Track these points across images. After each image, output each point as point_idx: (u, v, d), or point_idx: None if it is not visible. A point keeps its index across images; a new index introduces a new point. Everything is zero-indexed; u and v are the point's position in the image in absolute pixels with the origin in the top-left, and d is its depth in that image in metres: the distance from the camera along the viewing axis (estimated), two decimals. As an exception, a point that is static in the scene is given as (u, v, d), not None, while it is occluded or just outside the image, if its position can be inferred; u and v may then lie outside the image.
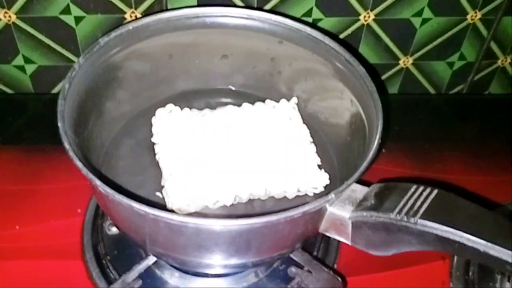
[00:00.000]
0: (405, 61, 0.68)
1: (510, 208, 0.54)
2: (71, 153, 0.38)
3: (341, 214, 0.38)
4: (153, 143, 0.50)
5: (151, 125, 0.51)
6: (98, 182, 0.36)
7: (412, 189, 0.37)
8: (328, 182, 0.47)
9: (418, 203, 0.36)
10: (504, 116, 0.69)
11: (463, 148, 0.64)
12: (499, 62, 0.70)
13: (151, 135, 0.51)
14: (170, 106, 0.52)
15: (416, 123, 0.67)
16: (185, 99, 0.54)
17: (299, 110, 0.53)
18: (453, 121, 0.69)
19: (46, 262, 0.50)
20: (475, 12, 0.63)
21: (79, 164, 0.37)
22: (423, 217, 0.35)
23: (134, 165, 0.50)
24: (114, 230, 0.51)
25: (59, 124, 0.40)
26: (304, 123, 0.52)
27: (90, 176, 0.37)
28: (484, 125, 0.68)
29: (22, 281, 0.49)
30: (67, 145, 0.38)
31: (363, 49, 0.66)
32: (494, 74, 0.71)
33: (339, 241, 0.42)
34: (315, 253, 0.49)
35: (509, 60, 0.70)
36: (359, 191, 0.40)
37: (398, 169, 0.59)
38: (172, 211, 0.45)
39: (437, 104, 0.72)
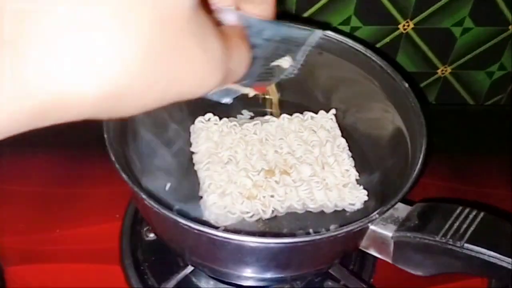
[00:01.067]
0: (443, 70, 0.67)
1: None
2: (117, 166, 0.38)
3: (383, 232, 0.38)
4: (192, 152, 0.51)
5: (189, 133, 0.52)
6: (144, 196, 0.37)
7: (458, 211, 0.37)
8: (366, 198, 0.47)
9: (464, 226, 0.36)
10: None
11: (500, 160, 0.63)
12: (540, 73, 0.68)
13: (190, 144, 0.51)
14: (209, 115, 0.52)
15: (454, 134, 0.66)
16: (224, 108, 0.54)
17: (337, 121, 0.53)
18: (490, 132, 0.68)
19: (85, 266, 0.51)
20: (518, 23, 0.62)
21: (125, 177, 0.38)
22: (469, 241, 0.34)
23: (172, 173, 0.50)
24: (151, 236, 0.52)
25: (105, 136, 0.40)
26: (342, 135, 0.52)
27: (136, 189, 0.37)
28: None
29: (62, 284, 0.50)
30: (113, 158, 0.39)
31: (400, 58, 0.65)
32: (534, 85, 0.70)
33: (375, 256, 0.42)
34: (351, 267, 0.49)
35: (550, 71, 0.68)
36: (402, 209, 0.39)
37: (435, 181, 0.59)
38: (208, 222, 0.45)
39: (475, 114, 0.71)
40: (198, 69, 0.21)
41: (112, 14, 0.17)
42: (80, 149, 0.60)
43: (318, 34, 0.36)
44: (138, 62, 0.18)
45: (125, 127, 0.45)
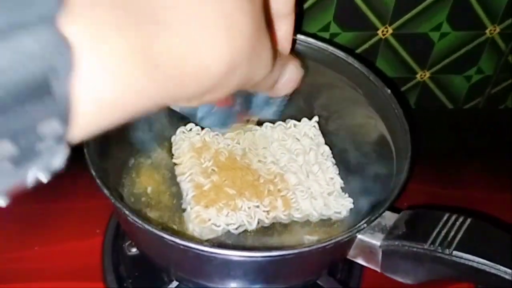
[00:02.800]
0: (422, 75, 0.68)
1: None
2: (98, 181, 0.37)
3: (371, 241, 0.38)
4: (174, 164, 0.50)
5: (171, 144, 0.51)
6: (127, 211, 0.36)
7: (445, 218, 0.37)
8: (352, 206, 0.47)
9: (452, 233, 0.35)
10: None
11: (482, 163, 0.64)
12: (517, 75, 0.69)
13: (172, 155, 0.50)
14: (190, 125, 0.51)
15: (434, 138, 0.67)
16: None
17: (320, 128, 0.53)
18: (471, 136, 0.68)
19: (66, 284, 0.49)
20: (494, 27, 0.63)
21: (106, 192, 0.37)
22: (458, 248, 0.34)
23: (154, 185, 0.49)
24: (134, 250, 0.50)
25: (85, 150, 0.39)
26: (326, 142, 0.51)
27: (118, 205, 0.36)
28: (501, 139, 0.68)
29: (42, 303, 0.48)
30: (93, 172, 0.38)
31: (379, 63, 0.66)
32: (511, 88, 0.71)
33: (363, 265, 0.41)
34: (338, 276, 0.49)
35: (527, 74, 0.69)
36: (389, 217, 0.39)
37: (420, 186, 0.59)
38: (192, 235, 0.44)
39: (454, 118, 0.71)
40: (266, 58, 0.26)
41: (234, 7, 0.22)
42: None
43: None
44: (249, 43, 0.23)
45: (105, 139, 0.43)
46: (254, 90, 0.32)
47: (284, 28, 0.32)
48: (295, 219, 0.46)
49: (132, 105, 0.20)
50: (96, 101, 0.18)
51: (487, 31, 0.63)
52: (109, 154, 0.46)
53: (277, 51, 0.27)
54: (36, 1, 0.16)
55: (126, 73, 0.19)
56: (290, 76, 0.31)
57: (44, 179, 0.18)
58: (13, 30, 0.15)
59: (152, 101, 0.20)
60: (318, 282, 0.46)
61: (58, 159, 0.18)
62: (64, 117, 0.17)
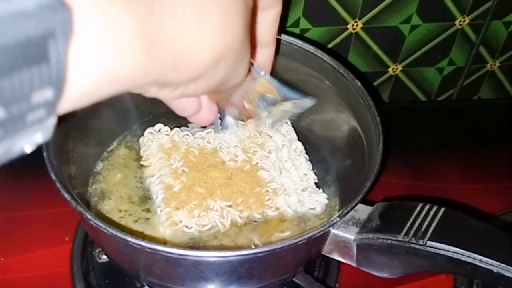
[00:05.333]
0: (394, 69, 0.67)
1: (508, 218, 0.54)
2: (58, 185, 0.36)
3: (345, 236, 0.37)
4: (142, 166, 0.48)
5: (139, 146, 0.49)
6: (89, 216, 0.34)
7: (418, 208, 0.36)
8: (326, 202, 0.46)
9: (426, 223, 0.35)
10: (494, 120, 0.69)
11: (456, 155, 0.64)
12: (488, 66, 0.69)
13: (140, 157, 0.49)
14: (159, 125, 0.50)
15: (408, 131, 0.66)
16: (175, 118, 0.52)
17: (292, 124, 0.52)
18: (444, 128, 0.68)
19: (34, 295, 0.47)
20: (463, 17, 0.63)
21: (67, 196, 0.35)
22: (432, 238, 0.34)
23: (123, 190, 0.48)
24: (104, 257, 0.49)
25: (44, 154, 0.37)
26: (299, 138, 0.50)
27: (80, 209, 0.35)
28: (475, 130, 0.68)
29: (9, 316, 0.46)
30: (53, 176, 0.36)
31: (352, 58, 0.65)
32: (483, 79, 0.71)
33: (340, 261, 0.40)
34: (316, 274, 0.48)
35: (498, 64, 0.69)
36: (362, 211, 0.38)
37: (394, 179, 0.58)
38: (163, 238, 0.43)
39: (427, 111, 0.71)
40: (245, 64, 0.28)
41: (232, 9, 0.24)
42: (20, 169, 0.56)
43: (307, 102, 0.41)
44: (237, 42, 0.25)
45: (65, 143, 0.42)
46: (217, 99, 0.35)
47: (265, 54, 0.35)
48: (269, 217, 0.45)
49: (126, 80, 0.20)
50: (93, 72, 0.18)
51: (456, 22, 0.63)
52: (74, 159, 0.45)
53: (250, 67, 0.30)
54: None
55: (127, 45, 0.19)
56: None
57: (28, 150, 0.17)
58: None
59: (144, 80, 0.21)
60: (295, 280, 0.45)
61: (46, 131, 0.18)
62: (59, 85, 0.17)
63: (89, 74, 0.18)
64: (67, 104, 0.18)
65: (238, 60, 0.26)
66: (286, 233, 0.44)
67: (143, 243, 0.32)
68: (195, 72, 0.23)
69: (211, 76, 0.25)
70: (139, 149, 0.49)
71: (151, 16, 0.20)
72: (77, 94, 0.18)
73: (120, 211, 0.46)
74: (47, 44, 0.16)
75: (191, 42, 0.22)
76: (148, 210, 0.45)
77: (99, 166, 0.49)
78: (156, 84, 0.23)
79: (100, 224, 0.33)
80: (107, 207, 0.46)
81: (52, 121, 0.17)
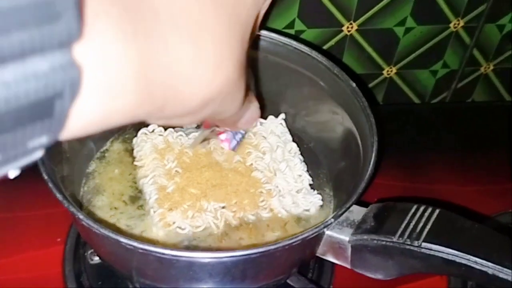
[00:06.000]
0: (389, 71, 0.67)
1: (502, 220, 0.54)
2: (50, 185, 0.35)
3: (340, 237, 0.37)
4: (136, 166, 0.48)
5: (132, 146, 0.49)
6: (81, 216, 0.34)
7: (413, 210, 0.36)
8: (321, 203, 0.46)
9: (420, 224, 0.35)
10: (488, 123, 0.69)
11: (450, 156, 0.64)
12: (482, 69, 0.70)
13: (134, 158, 0.48)
14: (153, 126, 0.50)
15: (402, 133, 0.67)
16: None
17: (287, 125, 0.52)
18: (438, 130, 0.68)
19: (25, 296, 0.47)
20: (458, 20, 0.63)
21: (59, 196, 0.35)
22: (427, 239, 0.34)
23: (115, 190, 0.47)
24: (96, 259, 0.48)
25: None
26: (293, 139, 0.50)
27: (72, 209, 0.34)
28: (469, 132, 0.68)
29: (0, 317, 0.46)
30: (45, 176, 0.36)
31: (346, 60, 0.65)
32: (477, 81, 0.71)
33: (334, 262, 0.40)
34: (310, 275, 0.48)
35: (491, 67, 0.69)
36: (357, 212, 0.38)
37: (388, 181, 0.58)
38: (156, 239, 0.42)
39: (421, 113, 0.71)
40: (240, 98, 0.29)
41: (218, 45, 0.24)
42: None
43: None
44: (231, 83, 0.26)
45: (57, 143, 0.41)
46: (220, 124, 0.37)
47: None
48: (263, 219, 0.45)
49: (117, 121, 0.21)
50: (86, 119, 0.19)
51: (451, 25, 0.63)
52: (67, 159, 0.44)
53: (247, 95, 0.31)
54: (60, 27, 0.16)
55: (122, 95, 0.20)
56: (252, 115, 0.36)
57: (14, 175, 0.19)
58: (31, 54, 0.15)
59: (137, 118, 0.22)
60: (289, 281, 0.44)
61: (35, 159, 0.18)
62: (56, 133, 0.18)
63: (84, 116, 0.19)
64: (60, 138, 0.19)
65: (228, 100, 0.27)
66: (280, 235, 0.44)
67: (135, 244, 0.32)
68: (188, 110, 0.24)
69: (204, 111, 0.26)
70: (133, 149, 0.49)
71: (151, 62, 0.21)
72: (71, 133, 0.19)
73: (111, 208, 0.45)
74: (54, 103, 0.17)
75: (186, 86, 0.23)
76: (140, 207, 0.45)
77: (92, 166, 0.48)
78: (151, 119, 0.24)
79: (92, 224, 0.33)
80: (100, 203, 0.46)
81: (41, 153, 0.18)
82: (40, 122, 0.17)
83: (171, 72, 0.22)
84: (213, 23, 0.24)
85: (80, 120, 0.18)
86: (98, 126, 0.20)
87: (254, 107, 0.36)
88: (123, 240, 0.32)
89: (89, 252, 0.49)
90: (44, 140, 0.17)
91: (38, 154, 0.18)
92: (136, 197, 0.46)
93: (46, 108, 0.16)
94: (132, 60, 0.19)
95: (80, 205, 0.45)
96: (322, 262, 0.49)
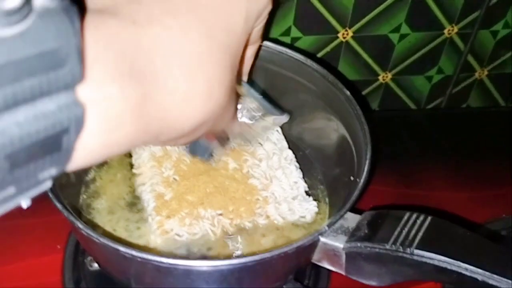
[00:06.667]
0: (384, 77, 0.68)
1: (493, 227, 0.54)
2: (50, 194, 0.36)
3: (334, 244, 0.37)
4: (134, 174, 0.48)
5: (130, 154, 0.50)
6: (80, 225, 0.34)
7: (406, 217, 0.37)
8: (316, 210, 0.46)
9: (413, 232, 0.35)
10: (483, 128, 0.70)
11: (444, 163, 0.64)
12: (477, 74, 0.70)
13: (132, 166, 0.49)
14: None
15: (397, 139, 0.67)
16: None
17: (283, 132, 0.52)
18: (433, 136, 0.69)
19: (25, 304, 0.47)
20: (452, 27, 0.64)
21: (59, 206, 0.35)
22: (419, 247, 0.34)
23: (114, 197, 0.48)
24: (95, 265, 0.49)
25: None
26: (289, 146, 0.51)
27: (71, 218, 0.35)
28: (464, 138, 0.68)
29: (0, 325, 0.46)
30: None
31: (342, 66, 0.66)
32: (472, 87, 0.72)
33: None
34: (306, 282, 0.48)
35: (486, 73, 0.70)
36: (351, 219, 0.39)
37: (383, 188, 0.59)
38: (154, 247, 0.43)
39: (417, 118, 0.72)
40: (233, 110, 0.32)
41: (217, 80, 0.27)
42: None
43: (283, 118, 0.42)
44: (220, 108, 0.28)
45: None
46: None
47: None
48: (259, 226, 0.46)
49: (116, 151, 0.23)
50: (89, 150, 0.21)
51: (445, 31, 0.64)
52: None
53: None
54: (65, 72, 0.17)
55: (120, 128, 0.22)
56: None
57: (26, 205, 0.20)
58: (40, 97, 0.17)
59: (135, 147, 0.24)
60: (284, 286, 0.45)
61: (44, 189, 0.20)
62: (63, 165, 0.20)
63: (87, 148, 0.20)
64: (67, 169, 0.20)
65: (219, 120, 0.29)
66: (276, 241, 0.45)
67: (134, 253, 0.33)
68: (173, 138, 0.26)
69: (196, 134, 0.28)
70: (131, 157, 0.50)
71: (146, 100, 0.22)
72: (76, 164, 0.20)
73: (109, 212, 0.46)
74: (61, 139, 0.18)
75: (177, 119, 0.25)
76: (139, 211, 0.46)
77: (91, 174, 0.49)
78: (146, 145, 0.27)
79: (91, 233, 0.34)
80: (99, 206, 0.46)
81: (50, 184, 0.20)
82: (50, 156, 0.18)
83: (164, 107, 0.24)
84: (205, 61, 0.26)
85: (84, 151, 0.20)
86: (100, 156, 0.22)
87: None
88: (122, 249, 0.33)
89: (88, 259, 0.49)
90: (53, 171, 0.19)
91: (48, 184, 0.20)
92: (135, 202, 0.47)
93: (54, 143, 0.18)
94: (128, 97, 0.21)
95: (79, 212, 0.46)
96: (318, 268, 0.50)
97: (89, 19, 0.21)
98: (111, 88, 0.20)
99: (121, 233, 0.45)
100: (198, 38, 0.25)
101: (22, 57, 0.16)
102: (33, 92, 0.17)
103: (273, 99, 0.45)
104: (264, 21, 0.34)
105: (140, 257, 0.33)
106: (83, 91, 0.19)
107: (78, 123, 0.19)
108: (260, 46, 0.41)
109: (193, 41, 0.25)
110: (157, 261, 0.33)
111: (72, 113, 0.18)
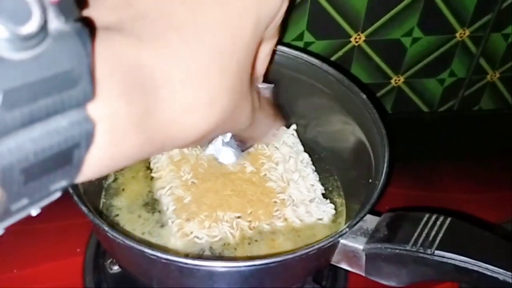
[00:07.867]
0: (397, 80, 0.69)
1: (509, 227, 0.54)
2: (76, 198, 0.37)
3: (354, 246, 0.38)
4: (153, 178, 0.49)
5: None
6: (106, 228, 0.35)
7: (425, 218, 0.37)
8: (334, 212, 0.47)
9: (433, 233, 0.36)
10: (495, 130, 0.70)
11: (457, 165, 0.65)
12: (489, 77, 0.71)
13: (151, 170, 0.50)
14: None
15: (410, 141, 0.68)
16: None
17: (298, 136, 0.53)
18: (446, 138, 0.69)
19: (46, 306, 0.48)
20: (464, 30, 0.64)
21: (85, 209, 0.36)
22: (440, 247, 0.35)
23: (134, 201, 0.49)
24: (116, 268, 0.50)
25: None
26: (305, 149, 0.52)
27: (97, 222, 0.35)
28: (476, 140, 0.69)
29: (22, 327, 0.47)
30: (71, 190, 0.37)
31: (354, 70, 0.66)
32: (484, 89, 0.72)
33: (347, 269, 0.41)
34: (324, 283, 0.49)
35: (498, 75, 0.71)
36: (370, 221, 0.39)
37: (399, 190, 0.59)
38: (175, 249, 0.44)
39: (430, 121, 0.72)
40: (247, 112, 0.32)
41: (213, 87, 0.27)
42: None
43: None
44: (226, 115, 0.28)
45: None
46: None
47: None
48: (277, 228, 0.46)
49: (123, 163, 0.24)
50: (98, 163, 0.22)
51: (457, 34, 0.65)
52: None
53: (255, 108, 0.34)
54: (77, 91, 0.18)
55: (126, 141, 0.23)
56: (263, 129, 0.39)
57: (36, 213, 0.21)
58: (54, 114, 0.18)
59: (141, 158, 0.25)
60: (303, 289, 0.46)
61: (54, 199, 0.21)
62: (74, 177, 0.21)
63: (96, 161, 0.21)
64: (77, 181, 0.21)
65: (229, 123, 0.29)
66: (295, 243, 0.45)
67: (159, 254, 0.33)
68: (179, 147, 0.28)
69: (199, 143, 0.29)
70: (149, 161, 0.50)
71: (150, 113, 0.23)
72: (85, 176, 0.22)
73: (131, 222, 0.47)
74: (73, 153, 0.19)
75: (175, 128, 0.26)
76: (159, 222, 0.46)
77: (112, 178, 0.50)
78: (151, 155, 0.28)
79: (116, 235, 0.34)
80: (119, 203, 0.47)
81: (60, 194, 0.21)
82: (61, 169, 0.19)
83: (166, 120, 0.25)
84: (208, 72, 0.26)
85: (93, 164, 0.21)
86: (107, 168, 0.23)
87: (267, 120, 0.38)
88: (147, 250, 0.33)
89: (109, 261, 0.50)
90: (64, 183, 0.20)
91: (57, 194, 0.21)
92: (153, 203, 0.48)
93: (66, 157, 0.19)
94: (132, 112, 0.22)
95: (100, 213, 0.46)
96: (335, 269, 0.50)
97: (97, 37, 0.22)
98: (117, 103, 0.22)
99: (141, 233, 0.45)
100: (201, 49, 0.26)
101: (38, 79, 0.17)
102: (47, 110, 0.18)
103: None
104: (280, 20, 0.34)
105: (165, 259, 0.33)
106: (92, 108, 0.20)
107: (89, 137, 0.20)
108: (275, 50, 0.41)
109: (195, 53, 0.26)
110: (181, 262, 0.34)
111: (83, 128, 0.19)
